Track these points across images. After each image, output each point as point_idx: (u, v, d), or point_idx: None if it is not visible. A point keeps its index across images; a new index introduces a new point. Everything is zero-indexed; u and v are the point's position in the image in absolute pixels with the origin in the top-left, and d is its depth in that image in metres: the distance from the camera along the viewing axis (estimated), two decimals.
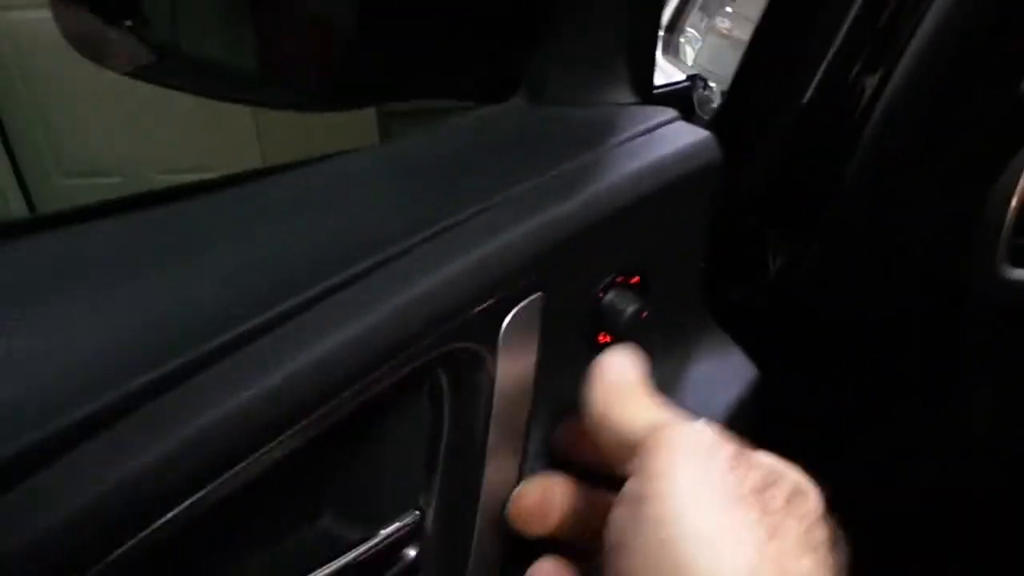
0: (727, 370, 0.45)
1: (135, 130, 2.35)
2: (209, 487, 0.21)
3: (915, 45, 0.48)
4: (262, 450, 0.23)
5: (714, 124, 0.66)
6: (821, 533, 0.25)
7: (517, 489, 0.33)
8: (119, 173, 2.49)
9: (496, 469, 0.31)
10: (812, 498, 0.26)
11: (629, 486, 0.26)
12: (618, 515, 0.26)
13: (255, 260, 0.26)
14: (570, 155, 0.34)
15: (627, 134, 0.36)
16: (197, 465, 0.21)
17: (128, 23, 0.51)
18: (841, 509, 0.26)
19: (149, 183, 2.49)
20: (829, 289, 0.61)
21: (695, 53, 0.96)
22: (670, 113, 0.38)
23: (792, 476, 0.27)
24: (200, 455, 0.21)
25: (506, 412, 0.31)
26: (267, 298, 0.25)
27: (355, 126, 2.07)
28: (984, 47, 0.43)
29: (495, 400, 0.30)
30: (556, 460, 0.35)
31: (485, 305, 0.29)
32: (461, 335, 0.29)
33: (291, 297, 0.25)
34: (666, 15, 0.94)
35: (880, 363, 0.60)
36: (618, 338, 0.37)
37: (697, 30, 1.04)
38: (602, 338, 0.38)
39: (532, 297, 0.31)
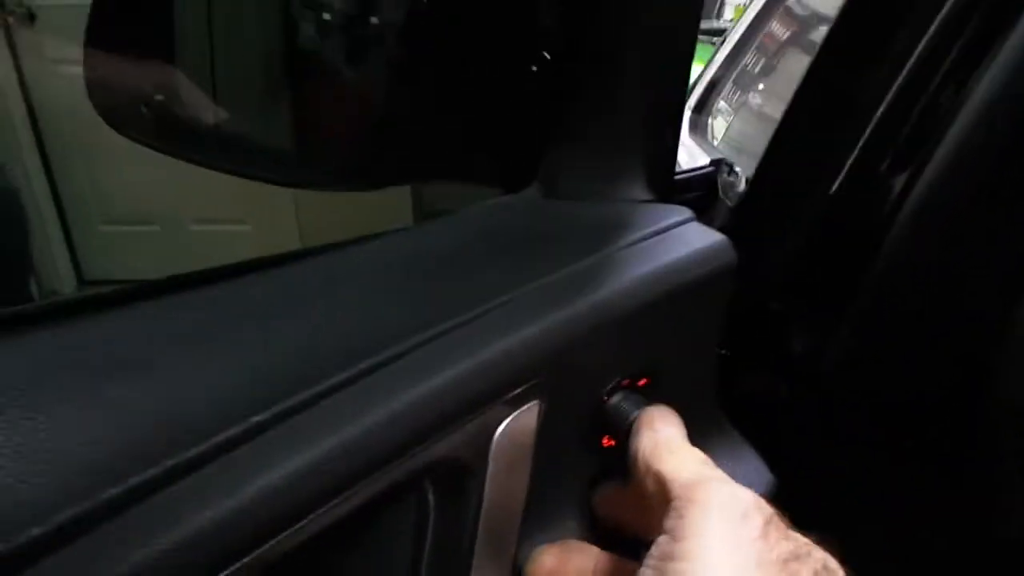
0: (741, 475, 0.43)
1: (173, 181, 2.42)
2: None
3: (947, 145, 0.47)
4: (239, 562, 0.21)
5: (739, 209, 0.65)
6: None
7: (538, 549, 0.32)
8: (156, 222, 2.56)
9: None
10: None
11: (660, 541, 0.26)
12: (645, 572, 0.26)
13: (240, 363, 0.25)
14: (579, 256, 0.33)
15: (639, 234, 0.35)
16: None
17: (160, 97, 0.52)
18: None
19: (185, 232, 2.55)
20: (852, 382, 0.59)
21: (726, 127, 0.96)
22: (685, 213, 0.37)
23: (821, 553, 0.27)
24: (178, 565, 0.20)
25: (495, 525, 0.29)
26: (247, 406, 0.24)
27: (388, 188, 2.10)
28: (1013, 159, 0.41)
29: (483, 513, 0.28)
30: (592, 523, 0.35)
31: (478, 414, 0.28)
32: (450, 445, 0.27)
33: (270, 406, 0.24)
34: (695, 95, 0.95)
35: (904, 460, 0.57)
36: (622, 443, 0.35)
37: (729, 104, 1.05)
38: (606, 442, 0.36)
39: (528, 405, 0.30)
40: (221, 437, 0.22)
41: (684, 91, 0.41)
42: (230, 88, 0.52)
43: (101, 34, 0.53)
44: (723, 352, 0.69)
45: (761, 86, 0.91)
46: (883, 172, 0.53)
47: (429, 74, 0.41)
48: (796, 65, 0.80)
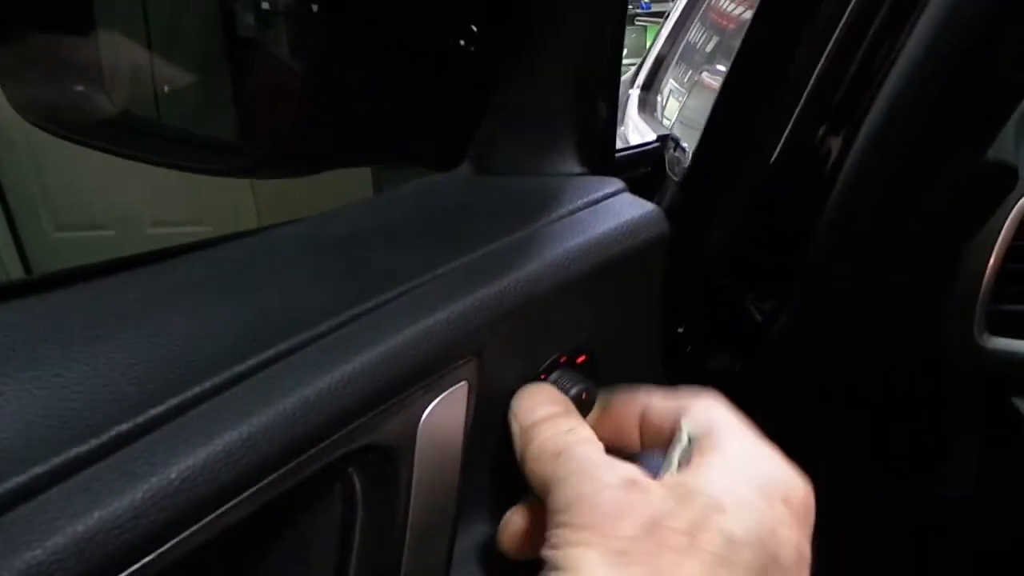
0: None
1: (129, 183, 2.36)
2: None
3: (879, 106, 0.47)
4: (152, 554, 0.20)
5: (684, 185, 0.65)
6: (749, 554, 0.24)
7: (506, 515, 0.31)
8: (112, 226, 2.49)
9: (417, 570, 0.28)
10: (740, 516, 0.25)
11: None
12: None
13: (142, 352, 0.24)
14: (507, 230, 0.32)
15: (570, 207, 0.34)
16: (80, 572, 0.19)
17: (80, 88, 0.50)
18: None
19: (142, 236, 2.49)
20: (803, 352, 0.59)
21: (680, 107, 0.96)
22: (616, 185, 0.36)
23: (707, 498, 0.25)
24: (88, 558, 0.19)
25: (427, 511, 0.28)
26: (159, 390, 0.23)
27: (350, 179, 2.07)
28: (950, 110, 0.41)
29: (413, 499, 0.27)
30: None
31: (402, 397, 0.27)
32: (374, 430, 0.26)
33: (182, 391, 0.23)
34: (642, 74, 0.94)
35: (859, 428, 0.57)
36: None
37: (681, 84, 1.04)
38: None
39: (457, 386, 0.29)
40: (114, 431, 0.21)
41: (616, 62, 0.41)
42: (155, 75, 0.50)
43: (13, 18, 0.50)
44: (680, 331, 0.69)
45: (720, 67, 0.91)
46: (820, 138, 0.53)
47: (355, 55, 0.40)
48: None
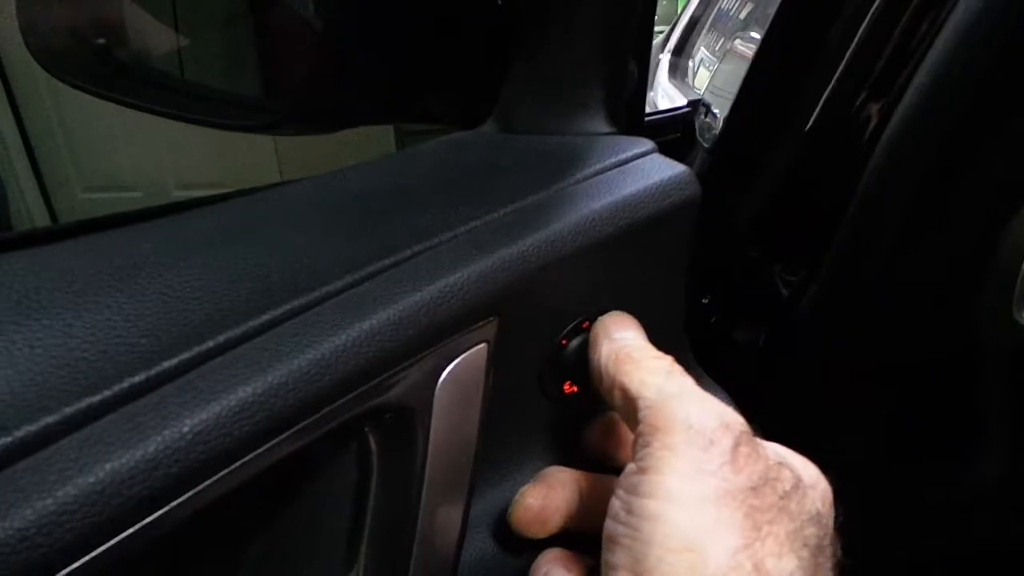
0: None
1: (156, 146, 2.37)
2: (109, 543, 0.19)
3: (923, 76, 0.44)
4: (163, 509, 0.20)
5: (714, 151, 0.63)
6: (814, 531, 0.25)
7: (520, 492, 0.31)
8: (139, 188, 2.52)
9: (431, 538, 0.28)
10: (813, 494, 0.26)
11: (628, 470, 0.26)
12: (614, 506, 0.26)
13: (166, 300, 0.24)
14: (531, 190, 0.31)
15: (597, 167, 0.33)
16: (90, 524, 0.18)
17: (101, 41, 0.50)
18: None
19: (168, 197, 2.51)
20: (831, 328, 0.58)
21: (711, 75, 0.93)
22: (646, 145, 0.35)
23: (795, 471, 0.26)
24: (99, 510, 0.18)
25: (443, 472, 0.28)
26: (172, 343, 0.22)
27: (374, 141, 2.06)
28: (994, 86, 0.39)
29: (429, 460, 0.27)
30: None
31: (420, 357, 0.26)
32: (391, 390, 0.26)
33: (195, 344, 0.22)
34: (674, 38, 0.91)
35: (887, 409, 0.56)
36: (585, 388, 0.34)
37: (712, 52, 1.01)
38: (568, 388, 0.35)
39: (476, 347, 0.28)
40: (126, 383, 0.21)
41: (649, 20, 0.39)
42: (177, 31, 0.49)
43: None
44: (704, 300, 0.68)
45: (754, 33, 0.88)
46: (857, 107, 0.51)
47: (380, 11, 0.38)
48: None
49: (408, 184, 0.32)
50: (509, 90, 0.38)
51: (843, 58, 0.50)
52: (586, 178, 0.32)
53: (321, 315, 0.25)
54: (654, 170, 0.33)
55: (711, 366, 0.68)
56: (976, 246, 0.46)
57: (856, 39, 0.49)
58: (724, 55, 0.92)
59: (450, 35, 0.40)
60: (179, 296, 0.24)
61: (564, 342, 0.33)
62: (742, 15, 0.88)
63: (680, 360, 0.43)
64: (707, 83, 0.88)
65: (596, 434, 0.35)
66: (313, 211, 0.30)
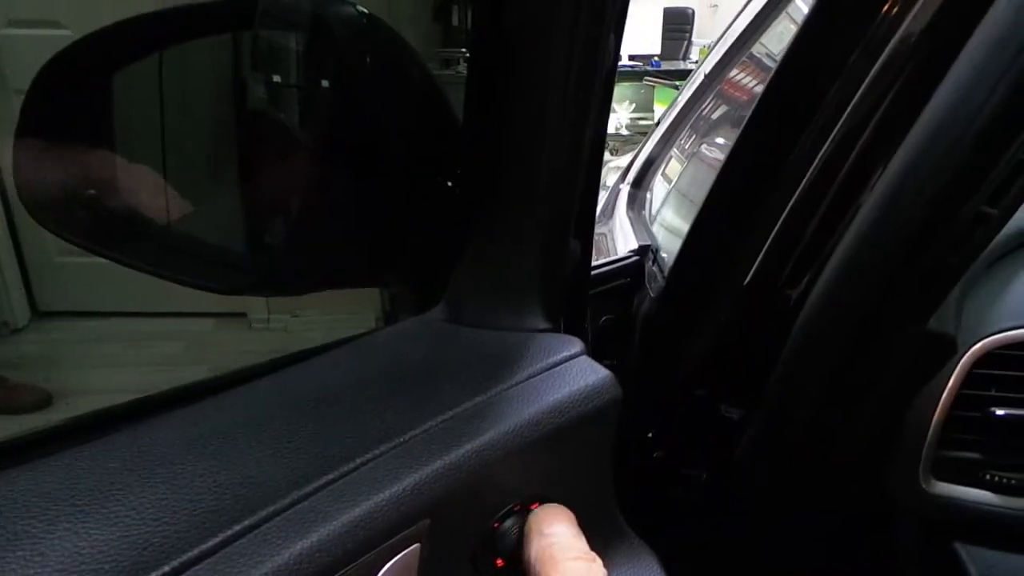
0: None
1: None
2: None
3: (834, 263, 0.50)
4: None
5: (660, 299, 0.68)
6: None
7: None
8: None
9: None
10: None
11: None
12: None
13: (132, 524, 0.27)
14: (467, 395, 0.35)
15: (529, 370, 0.37)
16: None
17: (91, 192, 0.53)
18: None
19: None
20: (763, 471, 0.62)
21: (678, 174, 0.99)
22: (575, 347, 0.39)
23: None
24: None
25: None
26: (131, 569, 0.25)
27: None
28: (896, 283, 0.44)
29: None
30: None
31: (356, 565, 0.29)
32: None
33: (148, 572, 0.25)
34: (632, 171, 0.98)
35: (812, 556, 0.59)
36: (513, 562, 0.37)
37: (682, 152, 1.09)
38: (499, 563, 0.38)
39: (409, 549, 0.31)
40: None
41: (590, 219, 0.44)
42: (160, 193, 0.52)
43: (32, 129, 0.53)
44: (649, 435, 0.72)
45: (720, 140, 0.95)
46: (787, 273, 0.56)
47: (345, 194, 0.43)
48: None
49: (357, 385, 0.36)
50: (457, 283, 0.42)
51: (773, 229, 0.55)
52: (517, 383, 0.36)
53: (268, 534, 0.28)
54: (580, 375, 0.37)
55: (654, 498, 0.72)
56: (887, 416, 0.50)
57: (782, 217, 0.54)
58: (689, 158, 0.99)
59: (411, 220, 0.44)
60: (141, 519, 0.27)
61: (495, 525, 0.37)
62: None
63: (610, 526, 0.46)
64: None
65: None
66: (269, 417, 0.33)
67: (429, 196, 0.44)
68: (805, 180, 0.52)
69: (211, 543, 0.27)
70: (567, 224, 0.43)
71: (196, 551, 0.26)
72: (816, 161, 0.51)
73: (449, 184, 0.43)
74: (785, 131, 0.53)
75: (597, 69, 0.39)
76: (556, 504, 0.36)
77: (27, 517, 0.26)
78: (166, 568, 0.26)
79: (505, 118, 0.39)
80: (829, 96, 0.50)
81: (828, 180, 0.51)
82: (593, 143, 0.42)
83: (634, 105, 4.08)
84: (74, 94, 0.54)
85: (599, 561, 0.33)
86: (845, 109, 0.49)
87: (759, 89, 0.79)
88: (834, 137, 0.50)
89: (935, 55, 0.43)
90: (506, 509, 0.37)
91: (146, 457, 0.30)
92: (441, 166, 0.43)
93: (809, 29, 0.50)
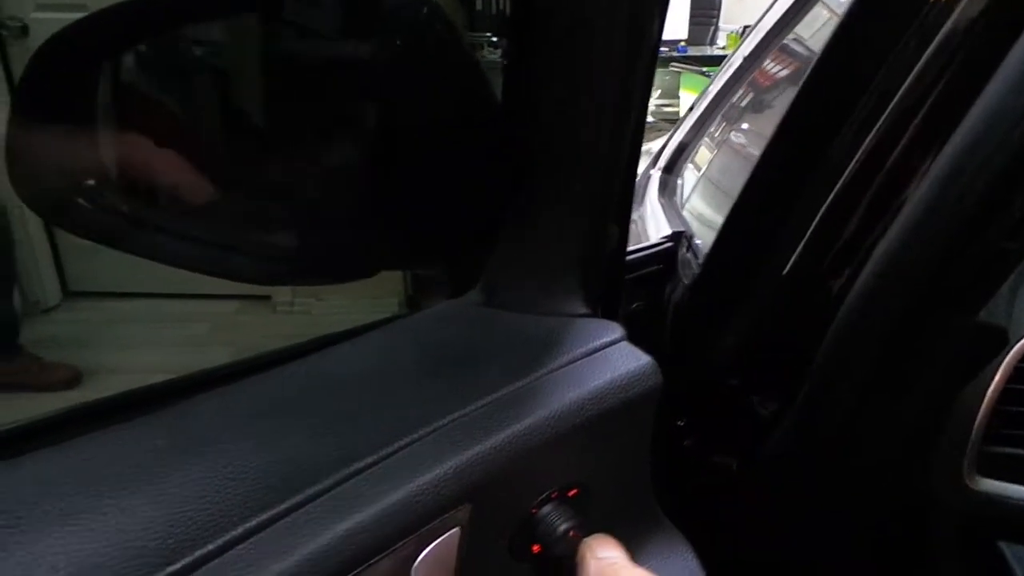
0: (673, 572, 0.44)
1: None
2: None
3: (882, 250, 0.48)
4: None
5: (694, 287, 0.67)
6: None
7: None
8: None
9: None
10: None
11: None
12: None
13: (177, 502, 0.26)
14: (508, 379, 0.35)
15: (569, 355, 0.36)
16: None
17: (91, 182, 0.49)
18: None
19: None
20: (798, 464, 0.61)
21: (712, 161, 0.98)
22: (615, 332, 0.38)
23: None
24: None
25: None
26: (177, 547, 0.25)
27: None
28: (947, 272, 0.43)
29: None
30: None
31: (396, 548, 0.29)
32: None
33: (194, 549, 0.25)
34: (664, 157, 0.97)
35: (845, 551, 0.58)
36: (550, 550, 0.37)
37: (712, 140, 1.07)
38: (536, 548, 0.37)
39: (448, 533, 0.31)
40: None
41: (628, 204, 0.43)
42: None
43: (27, 114, 0.48)
44: (679, 423, 0.71)
45: (745, 125, 0.94)
46: (835, 255, 0.55)
47: (384, 175, 0.42)
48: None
49: (397, 367, 0.36)
50: (494, 265, 0.41)
51: (822, 206, 0.54)
52: (558, 367, 0.36)
53: (310, 514, 0.28)
54: (621, 361, 0.37)
55: (682, 488, 0.71)
56: (931, 411, 0.49)
57: (826, 204, 0.53)
58: (720, 146, 0.98)
59: (442, 207, 0.44)
60: (186, 497, 0.27)
61: (533, 511, 0.36)
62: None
63: (646, 515, 0.45)
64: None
65: None
66: (309, 398, 0.33)
67: (467, 178, 0.43)
68: (849, 169, 0.51)
69: (255, 521, 0.27)
70: (607, 208, 0.42)
71: (241, 529, 0.26)
72: (861, 150, 0.50)
73: (488, 166, 0.42)
74: (828, 119, 0.52)
75: (641, 52, 0.38)
76: (604, 534, 0.37)
77: (75, 493, 0.26)
78: (211, 546, 0.26)
79: (546, 101, 0.38)
80: (875, 84, 0.49)
81: (874, 169, 0.49)
82: (635, 127, 0.41)
83: (659, 91, 4.03)
84: (75, 77, 0.49)
85: None
86: (892, 98, 0.47)
87: (798, 77, 0.77)
88: (880, 125, 0.49)
89: (990, 41, 0.42)
90: (544, 495, 0.36)
91: (190, 435, 0.29)
92: (480, 147, 0.43)
93: (855, 16, 0.49)
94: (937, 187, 0.43)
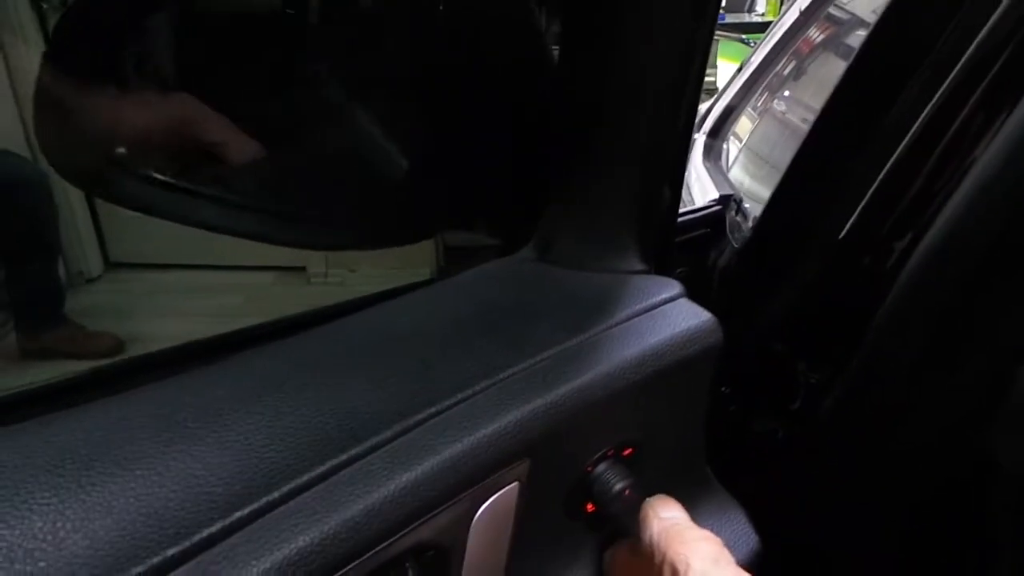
0: (727, 536, 0.44)
1: None
2: None
3: (949, 212, 0.46)
4: None
5: (744, 251, 0.65)
6: None
7: None
8: None
9: None
10: None
11: None
12: None
13: (242, 449, 0.27)
14: (566, 335, 0.34)
15: (627, 312, 0.36)
16: None
17: (121, 150, 0.47)
18: None
19: None
20: (849, 433, 0.59)
21: (761, 125, 0.96)
22: (674, 289, 0.37)
23: None
24: None
25: None
26: (242, 493, 0.25)
27: None
28: (1010, 237, 0.41)
29: None
30: None
31: (459, 499, 0.29)
32: (431, 530, 0.28)
33: (261, 496, 0.25)
34: (709, 121, 0.94)
35: (896, 520, 0.57)
36: (604, 509, 0.36)
37: (755, 109, 1.05)
38: (590, 507, 0.37)
39: (509, 487, 0.31)
40: (204, 533, 0.24)
41: (683, 164, 0.42)
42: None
43: (59, 74, 0.45)
44: (724, 389, 0.70)
45: (787, 92, 0.91)
46: (895, 219, 0.53)
47: (441, 130, 0.41)
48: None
49: (453, 321, 0.35)
50: (549, 219, 0.41)
51: (883, 168, 0.52)
52: (617, 323, 0.35)
53: (372, 464, 0.27)
54: (680, 317, 0.36)
55: (727, 452, 0.70)
56: (994, 375, 0.47)
57: (887, 167, 0.51)
58: (762, 115, 0.95)
59: (498, 158, 0.43)
60: (250, 445, 0.27)
61: (589, 469, 0.36)
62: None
63: (699, 478, 0.45)
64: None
65: (615, 557, 0.38)
66: (365, 354, 0.33)
67: (522, 133, 0.42)
68: (912, 131, 0.49)
69: (319, 470, 0.27)
70: (664, 166, 0.41)
71: (305, 478, 0.26)
72: (925, 112, 0.48)
73: (542, 122, 0.41)
74: (888, 82, 0.50)
75: (703, 13, 0.37)
76: (665, 495, 0.37)
77: (142, 438, 0.26)
78: (275, 494, 0.26)
79: (607, 60, 0.37)
80: (939, 45, 0.47)
81: (940, 131, 0.47)
82: (693, 88, 0.40)
83: None
84: (111, 34, 0.45)
85: (721, 542, 0.33)
86: (959, 60, 0.45)
87: (848, 43, 0.74)
88: (947, 87, 0.47)
89: None
90: (600, 453, 0.36)
91: (251, 386, 0.29)
92: (534, 104, 0.41)
93: None
94: (1005, 150, 0.41)
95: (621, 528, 0.39)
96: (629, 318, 0.35)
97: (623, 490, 0.35)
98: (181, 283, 2.56)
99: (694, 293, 0.67)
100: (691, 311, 0.36)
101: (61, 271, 2.28)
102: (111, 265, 2.65)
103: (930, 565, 0.57)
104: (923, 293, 0.49)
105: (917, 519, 0.55)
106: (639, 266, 0.40)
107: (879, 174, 0.51)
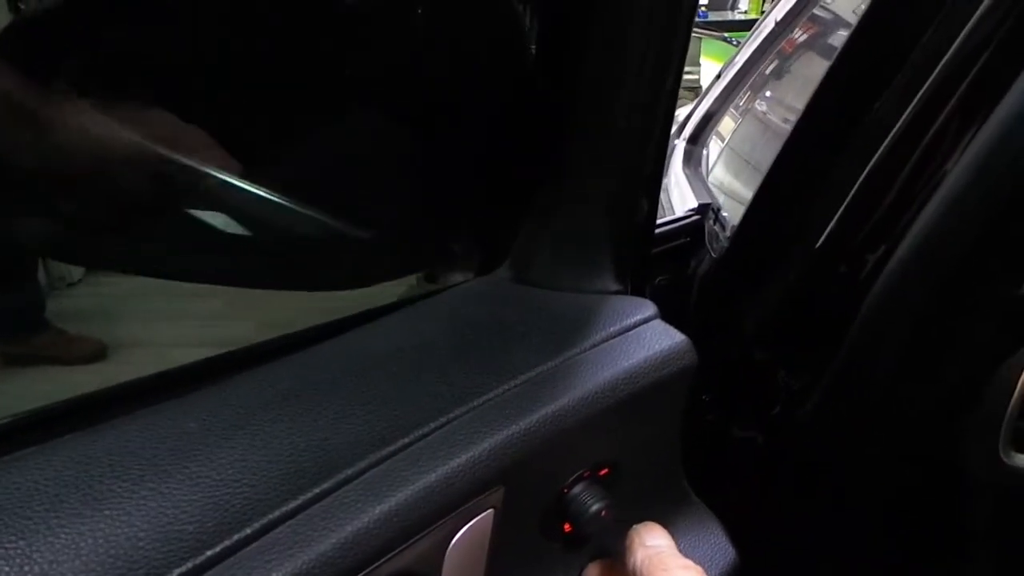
0: (704, 551, 0.44)
1: None
2: None
3: (920, 225, 0.47)
4: None
5: (723, 260, 0.66)
6: None
7: None
8: None
9: None
10: None
11: None
12: None
13: (212, 485, 0.26)
14: (541, 358, 0.34)
15: (602, 333, 0.36)
16: None
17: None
18: None
19: None
20: (827, 438, 0.60)
21: (741, 132, 0.96)
22: (648, 310, 0.38)
23: None
24: None
25: None
26: (215, 531, 0.25)
27: None
28: (988, 246, 0.42)
29: None
30: None
31: (433, 529, 0.29)
32: (404, 560, 0.28)
33: (231, 533, 0.25)
34: (689, 127, 0.95)
35: (872, 525, 0.58)
36: (581, 529, 0.36)
37: (737, 110, 1.05)
38: (567, 528, 0.37)
39: (483, 514, 0.31)
40: (175, 572, 0.24)
41: (658, 178, 0.42)
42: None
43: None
44: (704, 397, 0.70)
45: (768, 93, 0.92)
46: (864, 237, 0.54)
47: (413, 148, 0.41)
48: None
49: (427, 345, 0.35)
50: (524, 240, 0.41)
51: (859, 176, 0.52)
52: (592, 346, 0.35)
53: (346, 497, 0.27)
54: (655, 339, 0.36)
55: (706, 462, 0.70)
56: (968, 382, 0.48)
57: (862, 176, 0.52)
58: (744, 114, 0.96)
59: (468, 183, 0.43)
60: (222, 480, 0.27)
61: (565, 491, 0.36)
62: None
63: (676, 494, 0.45)
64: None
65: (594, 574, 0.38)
66: (340, 382, 0.32)
67: (496, 151, 0.42)
68: (888, 140, 0.50)
69: (291, 505, 0.27)
70: (638, 183, 0.41)
71: (277, 513, 0.26)
72: (901, 120, 0.48)
73: (516, 139, 0.41)
74: (865, 90, 0.50)
75: (677, 24, 0.37)
76: (652, 522, 0.37)
77: (111, 476, 0.26)
78: (248, 530, 0.26)
79: (580, 71, 0.37)
80: (915, 54, 0.47)
81: (915, 140, 0.48)
82: (668, 96, 0.40)
83: None
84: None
85: (702, 571, 0.33)
86: (934, 68, 0.46)
87: (831, 45, 0.75)
88: (922, 96, 0.47)
89: None
90: (576, 475, 0.36)
91: (222, 418, 0.29)
92: (509, 119, 0.41)
93: None
94: (980, 160, 0.41)
95: (599, 548, 0.39)
96: (604, 340, 0.36)
97: (599, 510, 0.36)
98: (161, 287, 2.54)
99: (674, 303, 0.67)
100: (665, 332, 0.37)
101: (41, 276, 2.25)
102: (91, 269, 2.62)
103: (907, 569, 0.58)
104: (898, 301, 0.50)
105: (894, 524, 0.56)
106: (614, 286, 0.40)
107: (855, 183, 0.52)
